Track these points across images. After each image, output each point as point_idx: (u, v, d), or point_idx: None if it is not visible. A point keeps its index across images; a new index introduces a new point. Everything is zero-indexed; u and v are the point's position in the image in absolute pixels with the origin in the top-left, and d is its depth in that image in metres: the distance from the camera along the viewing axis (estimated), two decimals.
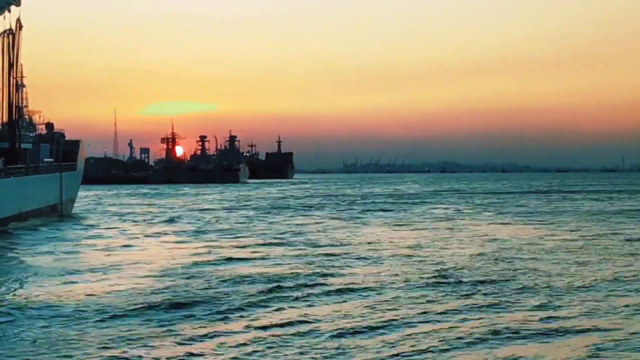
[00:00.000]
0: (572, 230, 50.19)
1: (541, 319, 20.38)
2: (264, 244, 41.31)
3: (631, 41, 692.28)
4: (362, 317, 20.64)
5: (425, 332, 18.80)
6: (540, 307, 22.25)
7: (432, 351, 17.04)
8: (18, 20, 60.31)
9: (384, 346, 17.44)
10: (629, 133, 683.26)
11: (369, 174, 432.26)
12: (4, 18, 60.16)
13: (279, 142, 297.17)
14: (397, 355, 16.74)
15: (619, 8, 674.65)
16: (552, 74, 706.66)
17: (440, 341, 17.87)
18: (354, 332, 18.79)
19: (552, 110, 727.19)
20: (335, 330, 18.95)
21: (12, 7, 60.01)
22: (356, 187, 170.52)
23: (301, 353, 16.82)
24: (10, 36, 59.91)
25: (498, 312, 21.47)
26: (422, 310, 21.55)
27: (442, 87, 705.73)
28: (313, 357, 16.51)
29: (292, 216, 67.18)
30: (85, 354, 16.67)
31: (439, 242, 41.98)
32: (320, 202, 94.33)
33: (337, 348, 17.24)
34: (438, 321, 20.17)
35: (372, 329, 19.16)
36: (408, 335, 18.54)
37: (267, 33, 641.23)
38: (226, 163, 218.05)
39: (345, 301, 23.27)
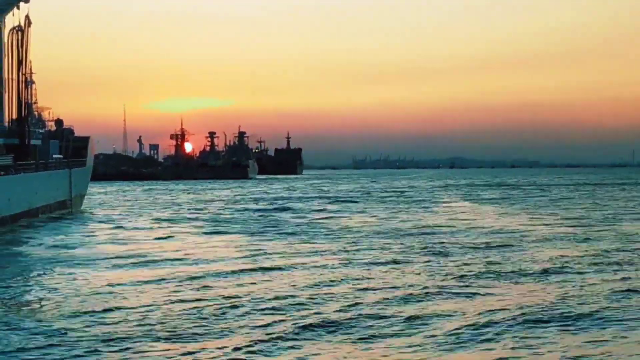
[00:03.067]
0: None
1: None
2: None
3: None
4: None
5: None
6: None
7: None
8: (27, 16, 60.43)
9: None
10: (639, 128, 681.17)
11: (378, 170, 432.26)
12: (13, 15, 60.34)
13: (288, 138, 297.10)
14: None
15: (629, 3, 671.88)
16: (561, 69, 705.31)
17: None
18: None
19: (562, 105, 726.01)
20: None
21: (21, 4, 60.16)
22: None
23: None
24: (20, 33, 60.02)
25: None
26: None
27: (452, 82, 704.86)
28: None
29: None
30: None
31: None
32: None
33: None
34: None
35: None
36: None
37: (276, 29, 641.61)
38: (235, 159, 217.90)
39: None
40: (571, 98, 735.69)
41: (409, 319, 19.71)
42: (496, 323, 19.19)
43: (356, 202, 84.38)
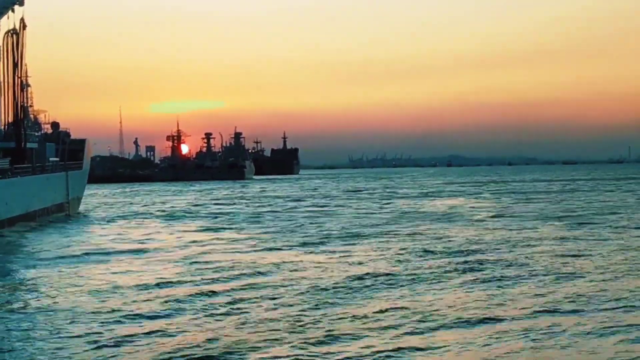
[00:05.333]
0: None
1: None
2: None
3: (637, 32, 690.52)
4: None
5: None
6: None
7: None
8: (22, 19, 60.38)
9: None
10: (635, 124, 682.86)
11: (376, 169, 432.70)
12: (8, 18, 60.25)
13: (284, 138, 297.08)
14: None
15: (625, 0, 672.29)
16: (558, 67, 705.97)
17: None
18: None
19: (558, 102, 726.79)
20: None
21: (16, 7, 60.06)
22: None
23: None
24: (15, 36, 59.96)
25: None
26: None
27: (448, 80, 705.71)
28: None
29: None
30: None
31: None
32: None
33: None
34: None
35: None
36: None
37: (271, 29, 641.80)
38: (232, 160, 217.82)
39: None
40: (568, 95, 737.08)
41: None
42: None
43: None
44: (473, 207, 69.55)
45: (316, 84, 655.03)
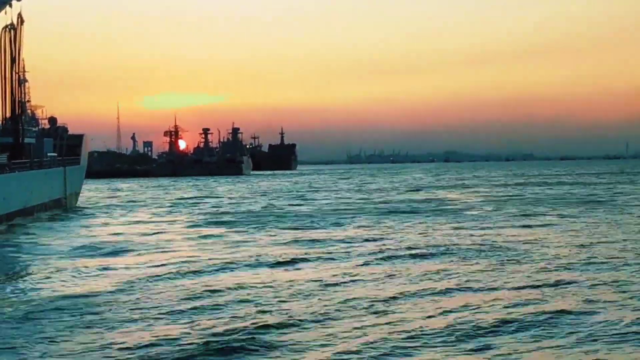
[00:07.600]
0: None
1: None
2: None
3: (635, 29, 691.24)
4: None
5: None
6: None
7: None
8: (19, 15, 60.38)
9: None
10: (633, 120, 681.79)
11: (374, 164, 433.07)
12: (6, 13, 60.25)
13: (282, 133, 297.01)
14: None
15: None
16: (555, 62, 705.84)
17: None
18: None
19: (556, 98, 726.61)
20: None
21: (14, 2, 60.06)
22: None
23: None
24: (12, 31, 59.96)
25: None
26: None
27: (445, 76, 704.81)
28: None
29: None
30: None
31: None
32: None
33: None
34: None
35: None
36: None
37: (269, 25, 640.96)
38: (229, 155, 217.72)
39: None
40: (565, 91, 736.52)
41: None
42: None
43: None
44: None
45: (314, 80, 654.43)
